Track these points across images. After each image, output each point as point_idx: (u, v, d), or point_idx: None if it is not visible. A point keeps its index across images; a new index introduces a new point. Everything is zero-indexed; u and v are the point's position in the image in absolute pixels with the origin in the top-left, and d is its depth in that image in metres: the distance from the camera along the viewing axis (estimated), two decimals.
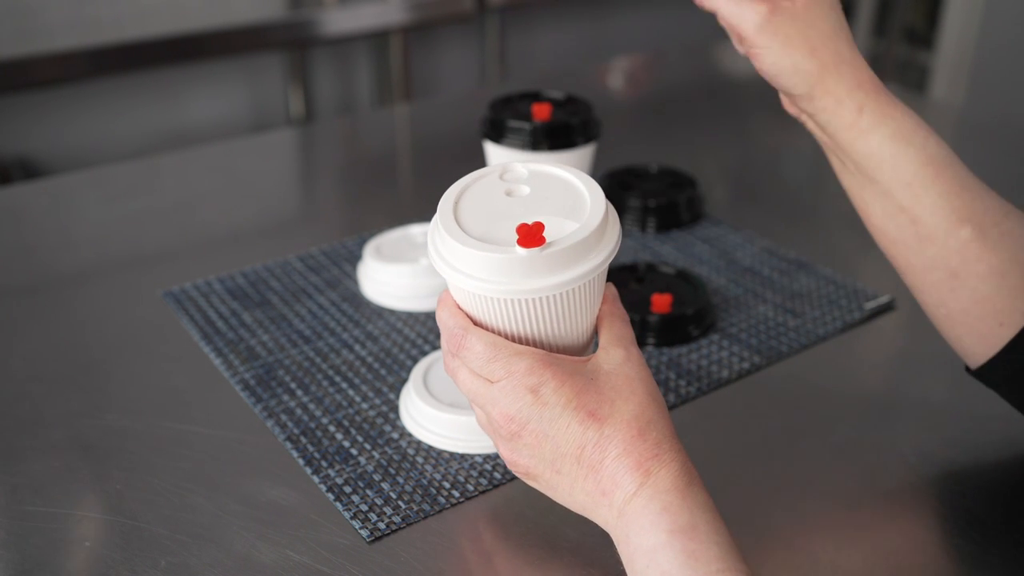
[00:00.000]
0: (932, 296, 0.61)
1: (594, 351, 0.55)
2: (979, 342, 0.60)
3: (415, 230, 0.91)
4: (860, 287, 0.87)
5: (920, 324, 0.84)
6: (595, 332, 0.58)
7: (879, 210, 0.62)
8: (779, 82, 0.63)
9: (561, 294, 0.53)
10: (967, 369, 0.63)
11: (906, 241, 0.61)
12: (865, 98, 0.60)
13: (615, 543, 0.52)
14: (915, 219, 0.60)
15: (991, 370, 0.60)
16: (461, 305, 0.55)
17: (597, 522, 0.53)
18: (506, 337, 0.54)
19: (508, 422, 0.52)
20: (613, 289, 0.57)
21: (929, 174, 0.59)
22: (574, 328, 0.55)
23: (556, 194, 0.56)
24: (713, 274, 0.90)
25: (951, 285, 0.59)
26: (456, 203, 0.56)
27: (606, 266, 0.54)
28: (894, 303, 0.85)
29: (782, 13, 0.60)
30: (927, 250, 0.60)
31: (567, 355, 0.54)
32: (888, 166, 0.59)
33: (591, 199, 0.55)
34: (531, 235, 0.52)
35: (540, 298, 0.52)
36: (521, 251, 0.51)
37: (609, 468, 0.51)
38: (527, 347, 0.53)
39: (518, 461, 0.53)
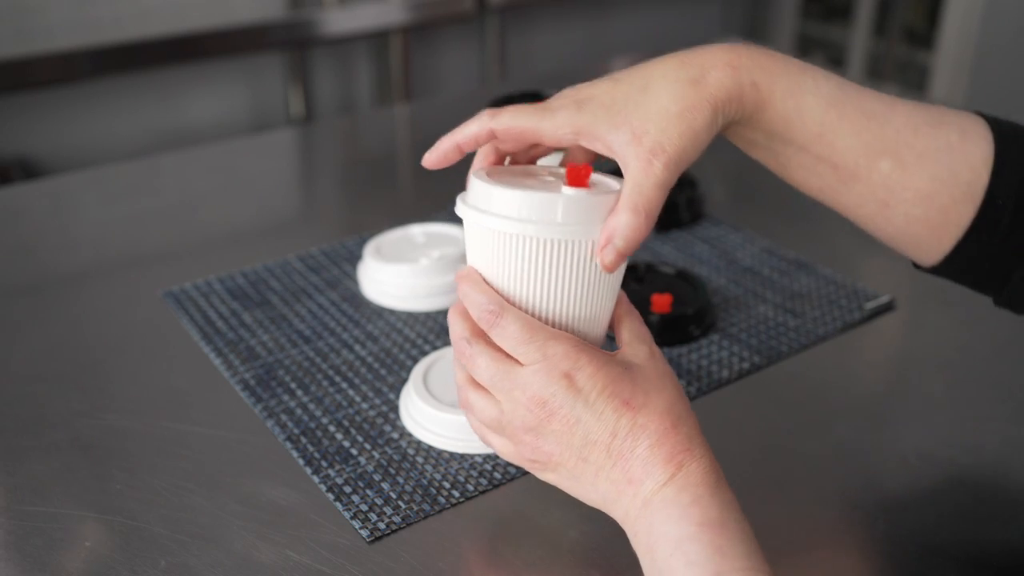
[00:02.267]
0: (868, 224, 0.60)
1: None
2: (922, 254, 0.59)
3: (415, 230, 0.91)
4: (860, 287, 0.87)
5: (920, 324, 0.84)
6: (608, 327, 0.58)
7: (798, 167, 0.59)
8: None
9: (596, 262, 0.53)
10: (915, 265, 0.62)
11: (832, 186, 0.59)
12: (748, 71, 0.56)
13: (631, 535, 0.52)
14: (835, 165, 0.58)
15: (938, 271, 0.60)
16: (488, 279, 0.55)
17: (614, 514, 0.53)
18: (532, 315, 0.54)
19: (539, 406, 0.52)
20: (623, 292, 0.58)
21: (833, 117, 0.56)
22: (598, 309, 0.56)
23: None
24: (713, 274, 0.90)
25: (884, 214, 0.58)
26: (488, 174, 0.56)
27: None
28: (894, 303, 0.85)
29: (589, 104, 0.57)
30: (853, 188, 0.58)
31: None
32: (795, 124, 0.57)
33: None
34: (579, 175, 0.52)
35: (575, 266, 0.53)
36: (569, 191, 0.51)
37: (641, 457, 0.51)
38: (561, 331, 0.53)
39: (542, 447, 0.53)
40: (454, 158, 0.60)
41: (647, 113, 0.54)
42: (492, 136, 0.59)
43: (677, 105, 0.54)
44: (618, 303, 0.57)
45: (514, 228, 0.53)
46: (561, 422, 0.52)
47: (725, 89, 0.55)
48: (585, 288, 0.54)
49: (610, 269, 0.54)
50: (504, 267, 0.54)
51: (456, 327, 0.56)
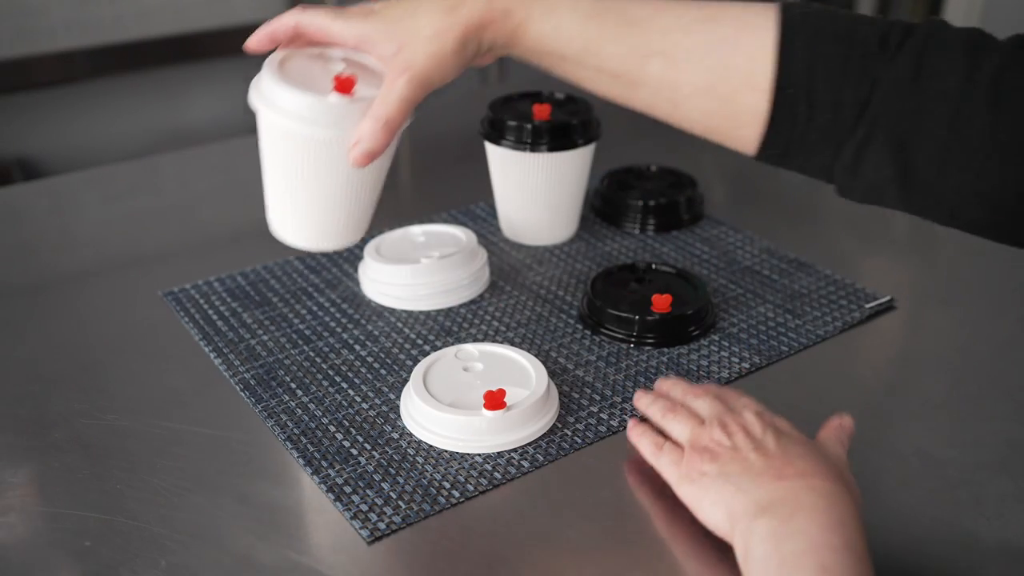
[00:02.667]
0: (675, 123, 0.62)
1: None
2: (739, 144, 0.60)
3: (415, 230, 0.91)
4: (860, 287, 0.87)
5: (920, 324, 0.84)
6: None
7: (585, 79, 0.63)
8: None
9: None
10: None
11: (621, 93, 0.62)
12: (503, 1, 0.61)
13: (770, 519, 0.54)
14: (612, 73, 0.61)
15: (763, 160, 0.60)
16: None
17: (752, 498, 0.56)
18: (306, 201, 0.66)
19: (762, 414, 0.61)
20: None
21: (593, 29, 0.60)
22: (360, 199, 0.67)
23: None
24: (713, 274, 0.90)
25: (678, 111, 0.61)
26: (281, 61, 0.65)
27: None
28: (894, 303, 0.85)
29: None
30: (639, 92, 0.61)
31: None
32: (559, 41, 0.61)
33: None
34: (344, 85, 0.62)
35: (337, 161, 0.63)
36: (333, 97, 0.62)
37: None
38: None
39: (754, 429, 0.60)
40: (269, 46, 0.67)
41: (408, 33, 0.62)
42: (298, 29, 0.66)
43: (431, 28, 0.61)
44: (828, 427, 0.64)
45: (288, 124, 0.62)
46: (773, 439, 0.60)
47: (477, 16, 0.61)
48: (346, 180, 0.65)
49: (356, 165, 0.62)
50: (281, 153, 0.64)
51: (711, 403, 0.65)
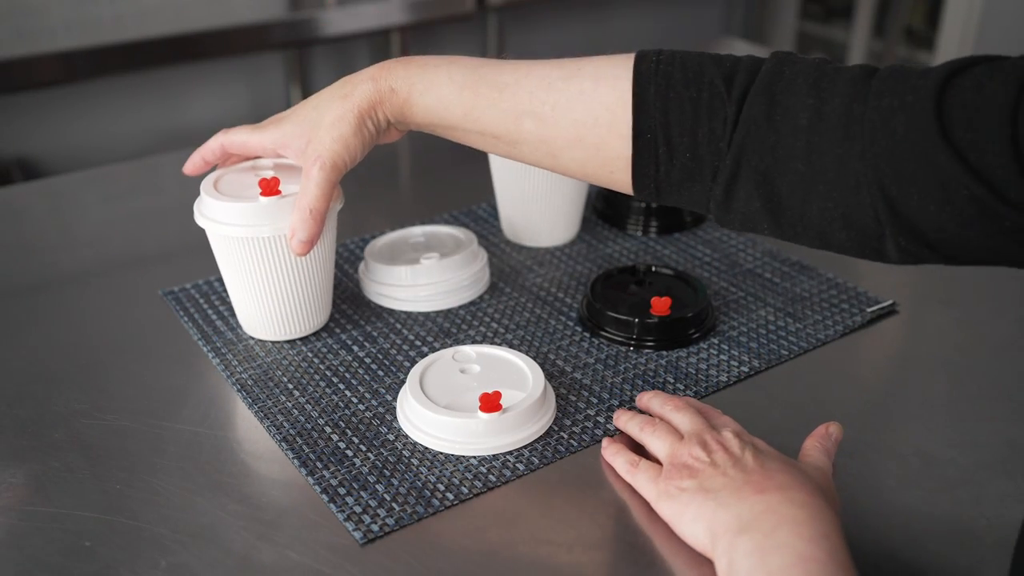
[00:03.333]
0: (560, 172, 0.67)
1: None
2: (622, 188, 0.64)
3: (416, 231, 0.91)
4: (862, 291, 0.87)
5: (920, 325, 0.84)
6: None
7: (472, 142, 0.69)
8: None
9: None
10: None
11: (506, 150, 0.68)
12: (385, 79, 0.68)
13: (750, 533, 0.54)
14: (494, 135, 0.66)
15: (646, 199, 0.64)
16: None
17: (741, 507, 0.56)
18: (268, 297, 0.76)
19: (741, 433, 0.62)
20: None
21: (469, 98, 0.66)
22: (312, 285, 0.77)
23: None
24: (714, 277, 0.90)
25: (558, 162, 0.66)
26: (215, 182, 0.76)
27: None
28: (896, 307, 0.85)
29: None
30: (521, 149, 0.66)
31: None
32: (441, 112, 0.67)
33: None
34: (269, 187, 0.72)
35: (280, 254, 0.73)
36: (263, 200, 0.72)
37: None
38: None
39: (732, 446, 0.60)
40: (204, 168, 0.78)
41: (312, 126, 0.70)
42: (223, 148, 0.76)
43: (330, 116, 0.69)
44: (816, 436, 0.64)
45: (229, 231, 0.72)
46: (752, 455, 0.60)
47: (367, 99, 0.68)
48: (295, 270, 0.75)
49: (298, 254, 0.71)
50: (233, 260, 0.74)
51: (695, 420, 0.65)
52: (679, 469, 0.60)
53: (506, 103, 0.65)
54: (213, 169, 0.79)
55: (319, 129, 0.69)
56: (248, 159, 0.78)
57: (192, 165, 0.78)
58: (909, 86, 0.53)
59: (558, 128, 0.63)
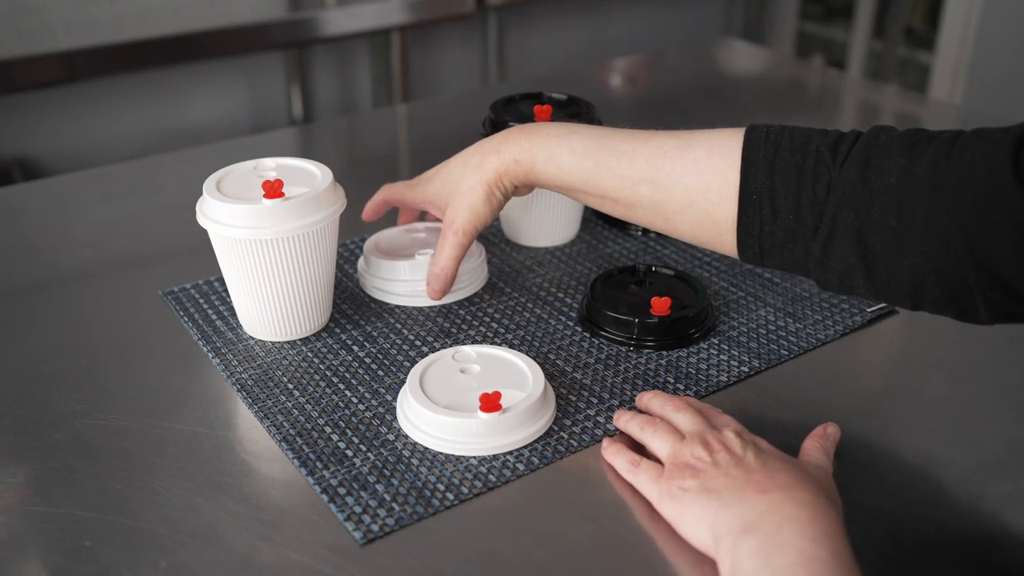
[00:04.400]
0: (671, 234, 0.71)
1: None
2: (726, 250, 0.68)
3: (418, 226, 0.92)
4: None
5: (920, 325, 0.84)
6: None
7: (592, 204, 0.74)
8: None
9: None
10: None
11: (623, 212, 0.72)
12: (509, 151, 0.74)
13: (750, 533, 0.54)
14: (612, 199, 0.71)
15: (748, 261, 0.67)
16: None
17: (743, 506, 0.56)
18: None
19: (742, 433, 0.63)
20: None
21: (591, 166, 0.71)
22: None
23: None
24: (714, 277, 0.90)
25: (670, 225, 0.70)
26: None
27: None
28: (896, 307, 0.85)
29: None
30: (637, 211, 0.71)
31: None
32: (564, 178, 0.72)
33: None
34: (274, 188, 0.73)
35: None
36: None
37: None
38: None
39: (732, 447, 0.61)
40: (375, 217, 0.90)
41: (451, 192, 0.78)
42: (387, 201, 0.88)
43: (464, 186, 0.77)
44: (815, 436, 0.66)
45: (232, 233, 0.73)
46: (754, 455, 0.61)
47: (494, 171, 0.75)
48: (296, 271, 0.76)
49: (434, 298, 0.81)
50: (235, 261, 0.76)
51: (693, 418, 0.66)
52: (681, 469, 0.60)
53: (624, 170, 0.69)
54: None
55: (455, 196, 0.77)
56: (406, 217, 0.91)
57: (368, 215, 0.90)
58: (991, 140, 0.56)
59: (671, 193, 0.67)
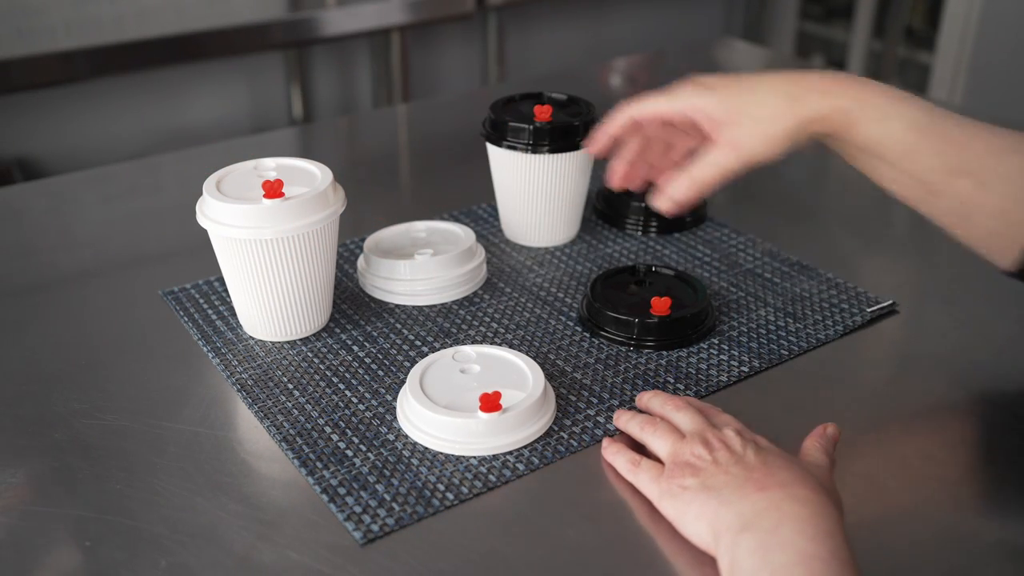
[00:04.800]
0: (951, 231, 0.69)
1: None
2: (998, 259, 0.67)
3: (419, 225, 0.92)
4: (862, 291, 0.87)
5: (921, 325, 0.84)
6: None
7: (889, 179, 0.69)
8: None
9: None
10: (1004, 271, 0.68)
11: (919, 197, 0.68)
12: (838, 97, 0.67)
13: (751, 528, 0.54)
14: (920, 180, 0.67)
15: (1015, 276, 0.67)
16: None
17: (742, 506, 0.56)
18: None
19: (742, 431, 0.63)
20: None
21: (916, 139, 0.66)
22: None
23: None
24: (714, 277, 0.90)
25: (963, 224, 0.67)
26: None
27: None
28: (896, 307, 0.85)
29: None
30: (938, 202, 0.67)
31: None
32: (883, 144, 0.67)
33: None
34: (274, 188, 0.73)
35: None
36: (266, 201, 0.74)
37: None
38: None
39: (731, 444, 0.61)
40: (610, 146, 0.78)
41: (742, 111, 0.68)
42: (635, 121, 0.76)
43: (766, 111, 0.68)
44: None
45: (231, 233, 0.73)
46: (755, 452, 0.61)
47: (815, 111, 0.67)
48: (296, 271, 0.76)
49: (662, 208, 0.72)
50: (235, 261, 0.76)
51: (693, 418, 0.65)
52: (681, 468, 0.60)
53: (951, 157, 0.65)
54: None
55: (749, 117, 0.68)
56: (658, 130, 0.78)
57: (597, 144, 0.78)
58: None
59: (988, 196, 0.65)
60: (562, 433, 0.69)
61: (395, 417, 0.71)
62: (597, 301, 0.81)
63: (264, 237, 0.73)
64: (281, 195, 0.73)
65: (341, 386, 0.74)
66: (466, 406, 0.68)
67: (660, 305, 0.79)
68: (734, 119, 0.69)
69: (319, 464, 0.66)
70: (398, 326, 0.82)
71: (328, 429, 0.70)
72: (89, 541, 0.60)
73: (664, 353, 0.79)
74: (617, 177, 0.80)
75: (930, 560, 0.60)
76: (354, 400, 0.73)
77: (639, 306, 0.81)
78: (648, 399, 0.70)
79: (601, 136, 0.77)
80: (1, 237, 1.01)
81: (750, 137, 0.68)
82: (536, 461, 0.67)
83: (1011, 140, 0.65)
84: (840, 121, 0.67)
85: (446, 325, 0.82)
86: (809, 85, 0.68)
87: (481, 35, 2.49)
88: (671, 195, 0.71)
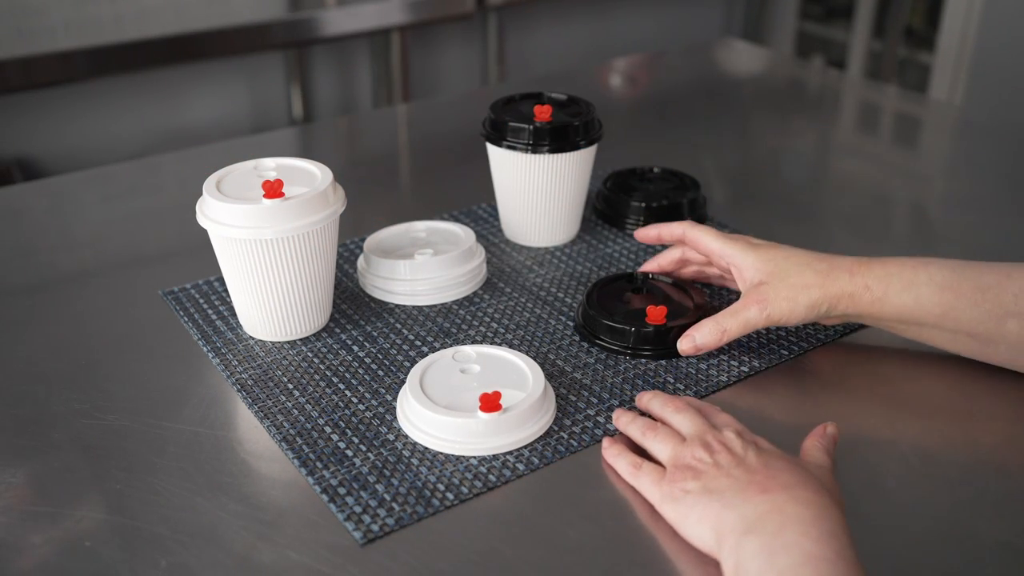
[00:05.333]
0: (1013, 367, 0.72)
1: None
2: None
3: (419, 225, 0.92)
4: None
5: None
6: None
7: (939, 339, 0.73)
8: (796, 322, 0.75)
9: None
10: None
11: (973, 349, 0.72)
12: (862, 276, 0.72)
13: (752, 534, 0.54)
14: (969, 333, 0.71)
15: None
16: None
17: (746, 507, 0.56)
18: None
19: (742, 433, 0.63)
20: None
21: (951, 298, 0.70)
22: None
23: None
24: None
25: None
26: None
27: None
28: None
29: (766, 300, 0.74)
30: (994, 349, 0.71)
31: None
32: (917, 311, 0.71)
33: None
34: (274, 188, 0.73)
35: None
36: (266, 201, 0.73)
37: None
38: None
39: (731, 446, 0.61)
40: (656, 242, 0.85)
41: (777, 273, 0.74)
42: (681, 238, 0.82)
43: (799, 279, 0.73)
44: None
45: (231, 233, 0.74)
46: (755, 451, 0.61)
47: (840, 287, 0.72)
48: (296, 271, 0.76)
49: (684, 352, 0.76)
50: (235, 261, 0.76)
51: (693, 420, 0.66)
52: (682, 471, 0.60)
53: (989, 304, 0.68)
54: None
55: (781, 281, 0.73)
56: (689, 259, 0.85)
57: (646, 235, 0.84)
58: None
59: None
60: (562, 433, 0.69)
61: (395, 417, 0.71)
62: (593, 309, 0.80)
63: (264, 237, 0.73)
64: (281, 195, 0.73)
65: (341, 386, 0.74)
66: (466, 406, 0.68)
67: (656, 314, 0.78)
68: (768, 280, 0.74)
69: (319, 464, 0.66)
70: (398, 326, 0.82)
71: (328, 429, 0.70)
72: (89, 541, 0.60)
73: (662, 363, 0.78)
74: (649, 267, 0.86)
75: (930, 560, 0.60)
76: (354, 400, 0.73)
77: (635, 315, 0.80)
78: (648, 400, 0.70)
79: (652, 232, 0.84)
80: (1, 237, 1.01)
81: (778, 299, 0.73)
82: (536, 461, 0.67)
83: None
84: (868, 299, 0.72)
85: (446, 325, 0.82)
86: (840, 264, 0.73)
87: (481, 35, 2.49)
88: (697, 341, 0.75)
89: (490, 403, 0.67)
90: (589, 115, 0.91)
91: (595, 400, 0.73)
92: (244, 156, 0.83)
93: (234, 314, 0.83)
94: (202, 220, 0.75)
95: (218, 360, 0.77)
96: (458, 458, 0.67)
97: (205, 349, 0.79)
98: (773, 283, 0.74)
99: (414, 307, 0.85)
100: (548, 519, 0.62)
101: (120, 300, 0.88)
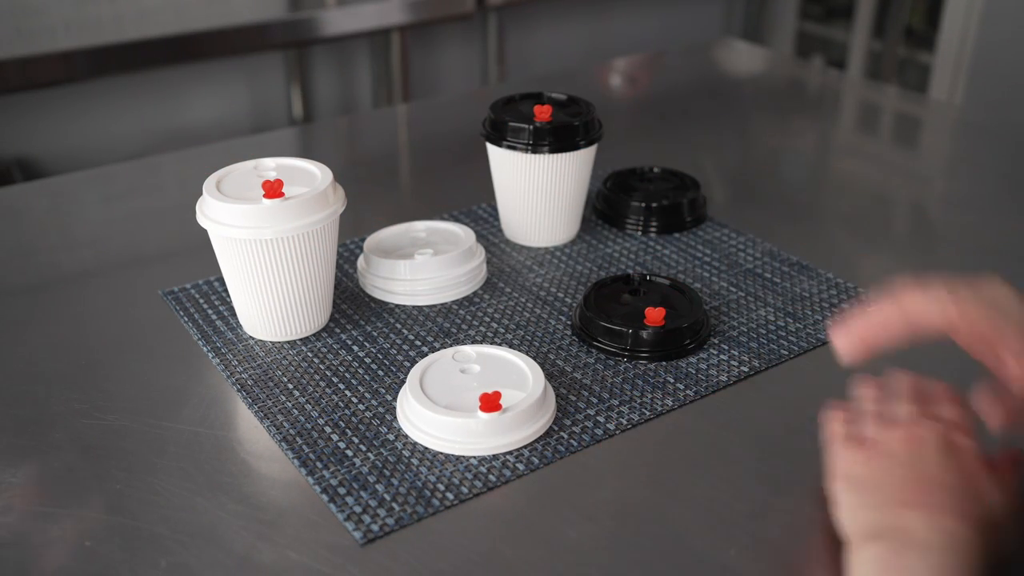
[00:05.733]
0: None
1: None
2: None
3: (419, 225, 0.92)
4: (862, 291, 0.87)
5: None
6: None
7: None
8: None
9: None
10: None
11: None
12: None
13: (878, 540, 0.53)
14: None
15: None
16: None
17: (884, 521, 0.54)
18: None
19: (943, 433, 0.58)
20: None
21: None
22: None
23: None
24: (714, 277, 0.90)
25: None
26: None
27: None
28: None
29: None
30: None
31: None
32: None
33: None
34: (273, 188, 0.73)
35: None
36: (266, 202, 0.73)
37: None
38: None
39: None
40: (870, 354, 0.63)
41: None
42: (904, 320, 0.62)
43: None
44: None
45: (231, 233, 0.74)
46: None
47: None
48: (296, 271, 0.76)
49: (844, 349, 0.62)
50: (235, 261, 0.76)
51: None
52: (863, 454, 0.59)
53: None
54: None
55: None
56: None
57: (853, 348, 0.63)
58: None
59: None
60: (562, 433, 0.69)
61: (395, 417, 0.71)
62: (590, 311, 0.80)
63: (264, 237, 0.73)
64: (281, 195, 0.73)
65: (341, 386, 0.74)
66: (466, 406, 0.68)
67: (654, 316, 0.78)
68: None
69: (319, 464, 0.66)
70: (398, 326, 0.82)
71: (328, 429, 0.70)
72: (89, 541, 0.60)
73: (662, 364, 0.78)
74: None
75: None
76: (354, 400, 0.73)
77: (633, 316, 0.80)
78: (894, 385, 0.65)
79: (858, 344, 0.64)
80: (1, 237, 1.01)
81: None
82: (536, 461, 0.67)
83: None
84: None
85: (446, 325, 0.82)
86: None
87: (481, 35, 2.49)
88: (846, 337, 0.62)
89: (490, 403, 0.67)
90: (589, 115, 0.91)
91: (595, 400, 0.73)
92: (244, 156, 0.83)
93: (234, 314, 0.83)
94: (202, 220, 0.75)
95: (218, 360, 0.77)
96: (458, 458, 0.67)
97: (205, 349, 0.79)
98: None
99: (414, 307, 0.85)
100: (548, 519, 0.62)
101: (120, 300, 0.88)
